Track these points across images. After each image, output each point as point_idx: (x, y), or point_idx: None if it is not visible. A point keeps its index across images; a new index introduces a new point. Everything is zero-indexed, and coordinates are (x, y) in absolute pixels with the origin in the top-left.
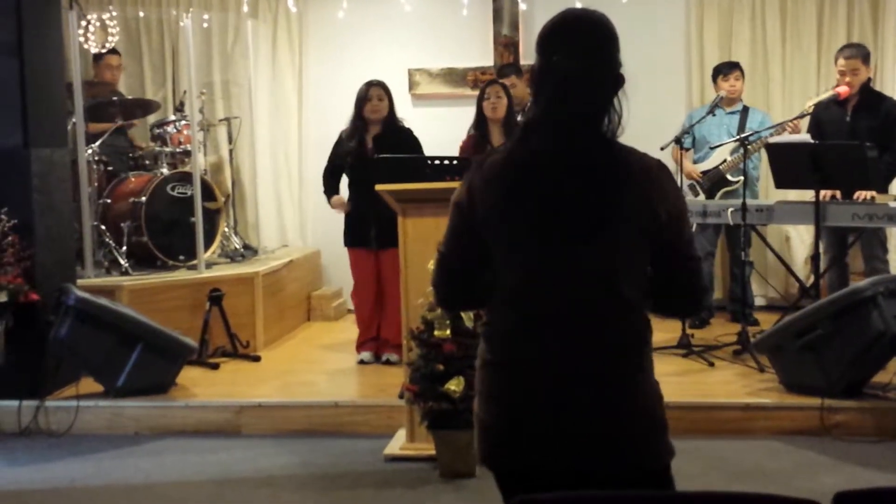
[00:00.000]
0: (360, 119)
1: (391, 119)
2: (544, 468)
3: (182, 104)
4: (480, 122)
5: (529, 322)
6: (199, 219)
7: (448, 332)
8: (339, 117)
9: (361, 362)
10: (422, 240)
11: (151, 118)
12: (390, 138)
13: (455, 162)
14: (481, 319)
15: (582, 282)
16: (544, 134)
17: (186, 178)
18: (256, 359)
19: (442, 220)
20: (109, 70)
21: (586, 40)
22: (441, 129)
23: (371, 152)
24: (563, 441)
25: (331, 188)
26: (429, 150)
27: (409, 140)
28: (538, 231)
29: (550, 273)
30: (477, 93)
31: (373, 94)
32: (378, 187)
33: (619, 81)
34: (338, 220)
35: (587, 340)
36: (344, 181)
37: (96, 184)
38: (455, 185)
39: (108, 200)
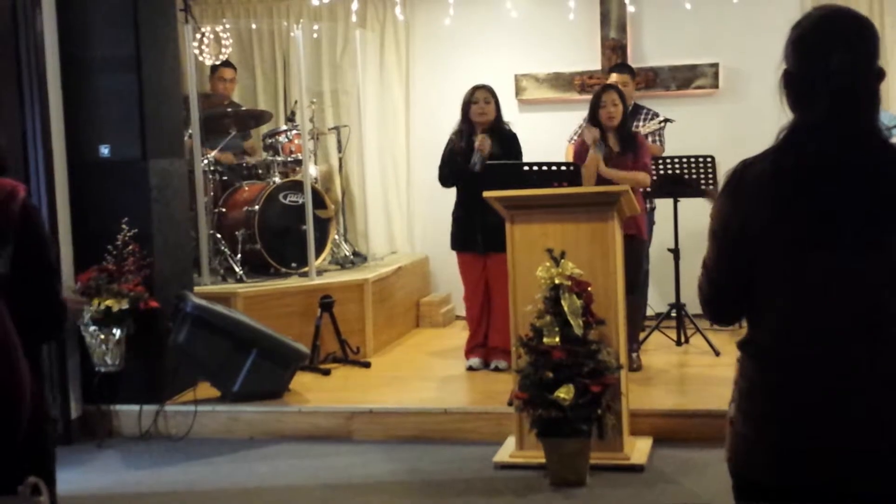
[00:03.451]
0: (466, 122)
1: (498, 123)
2: (813, 485)
3: (293, 114)
4: (597, 125)
5: (801, 336)
6: (310, 226)
7: (557, 339)
8: (447, 123)
9: (470, 368)
10: (529, 246)
11: (264, 128)
12: (496, 142)
13: (563, 168)
14: (740, 335)
15: (859, 294)
16: (822, 140)
17: (298, 187)
18: (367, 365)
19: (550, 226)
20: (223, 82)
21: (859, 38)
22: (548, 134)
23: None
24: (833, 457)
25: (450, 176)
26: (536, 155)
27: (513, 144)
28: (814, 242)
29: (826, 286)
30: (584, 98)
31: (479, 97)
32: (486, 194)
33: (880, 77)
34: (445, 225)
35: (863, 355)
36: (445, 197)
37: (212, 193)
38: (563, 190)
39: (223, 209)
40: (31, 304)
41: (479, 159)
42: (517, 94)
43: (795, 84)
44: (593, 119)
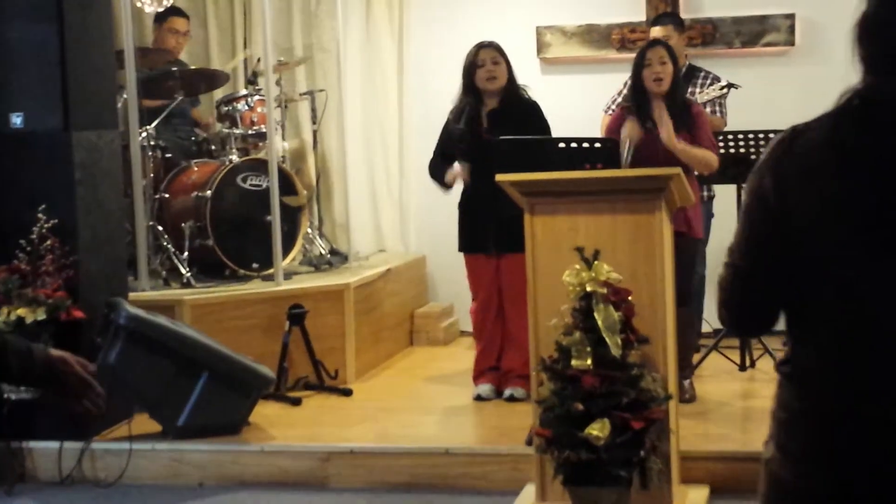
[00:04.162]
0: (471, 91)
1: (511, 89)
2: None
3: (255, 76)
4: (637, 94)
5: (863, 357)
6: (276, 217)
7: (589, 361)
8: (449, 92)
9: (479, 398)
10: (554, 244)
11: (218, 93)
12: (510, 114)
13: (598, 145)
14: (778, 355)
15: None
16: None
17: (261, 167)
18: (347, 392)
19: (580, 219)
20: (174, 36)
21: None
22: (578, 103)
23: (487, 133)
24: None
25: (439, 174)
26: (562, 129)
27: (534, 116)
28: (880, 237)
29: (893, 292)
30: (624, 56)
31: (485, 57)
32: (499, 178)
33: None
34: (448, 218)
35: None
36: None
37: (152, 175)
38: (597, 174)
39: (167, 195)
40: None
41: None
42: (539, 51)
43: (874, 31)
44: (637, 84)
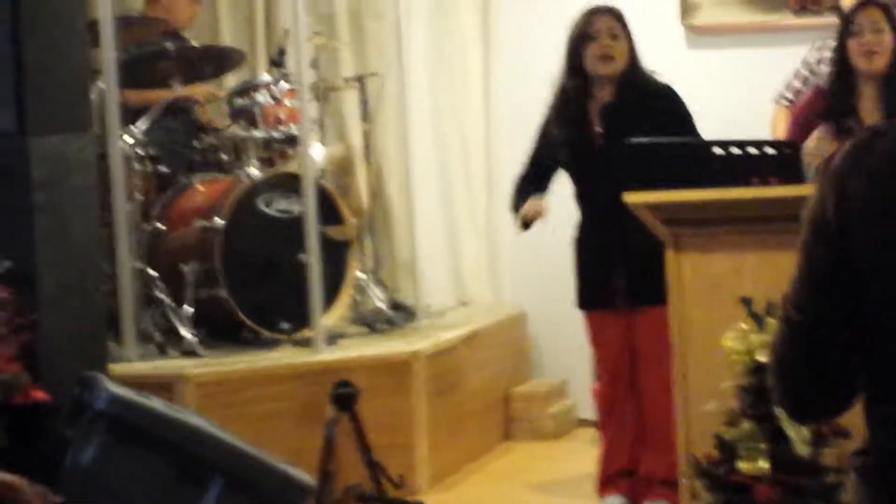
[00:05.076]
0: (577, 75)
1: (633, 74)
2: None
3: (282, 54)
4: (842, 74)
5: None
6: (314, 257)
7: (764, 463)
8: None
9: None
10: (709, 293)
11: (231, 80)
12: (632, 109)
13: (771, 150)
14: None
15: None
16: None
17: (291, 186)
18: None
19: (748, 256)
20: (188, 4)
21: None
22: (738, 89)
23: (601, 136)
24: None
25: (521, 201)
26: (717, 124)
27: (671, 108)
28: None
29: None
30: (805, 22)
31: (600, 27)
32: (628, 199)
33: None
34: (558, 259)
35: None
36: (562, 191)
37: (140, 196)
38: (777, 192)
39: (161, 225)
40: None
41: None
42: (684, 16)
43: None
44: (840, 61)
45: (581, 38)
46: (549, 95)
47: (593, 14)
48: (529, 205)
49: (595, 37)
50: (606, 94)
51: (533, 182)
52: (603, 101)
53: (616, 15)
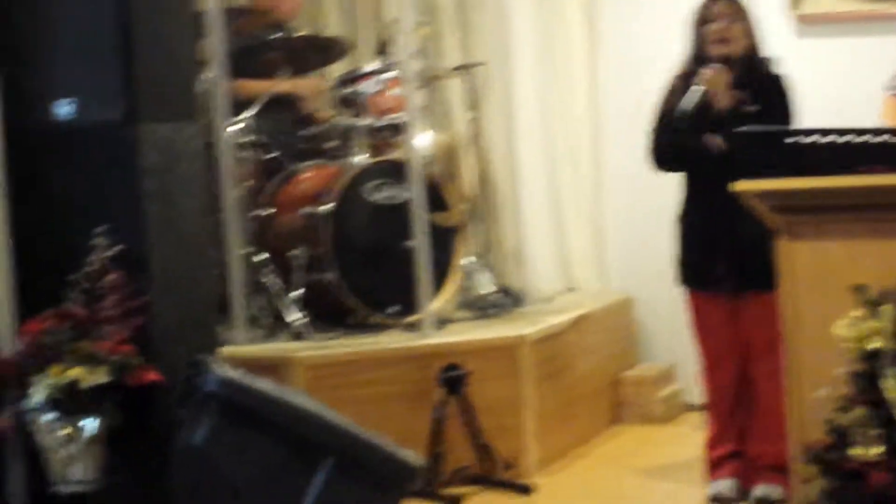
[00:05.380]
0: (697, 58)
1: (751, 57)
2: None
3: (388, 43)
4: None
5: None
6: (421, 243)
7: (877, 450)
8: (663, 65)
9: (717, 500)
10: (822, 281)
11: (336, 69)
12: (752, 94)
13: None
14: None
15: None
16: None
17: (398, 172)
18: (526, 490)
19: (862, 244)
20: None
21: None
22: (848, 78)
23: (717, 118)
24: None
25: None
26: (825, 113)
27: (780, 96)
28: None
29: None
30: None
31: (717, 10)
32: (739, 186)
33: None
34: (664, 242)
35: None
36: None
37: (249, 183)
38: (890, 180)
39: (271, 211)
40: None
41: (692, 102)
42: (793, 5)
43: None
44: None
45: (700, 22)
46: (670, 77)
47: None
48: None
49: (713, 20)
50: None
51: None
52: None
53: (735, 0)
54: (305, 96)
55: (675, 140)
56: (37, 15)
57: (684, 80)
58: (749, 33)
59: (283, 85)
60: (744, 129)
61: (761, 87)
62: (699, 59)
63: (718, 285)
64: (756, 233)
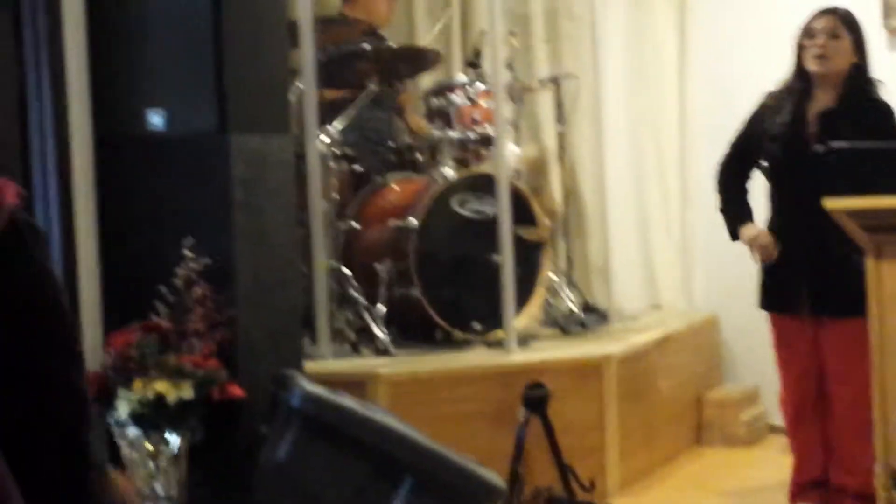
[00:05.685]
0: (798, 76)
1: (856, 76)
2: None
3: (478, 56)
4: None
5: None
6: (507, 257)
7: None
8: (755, 82)
9: None
10: None
11: (426, 80)
12: (854, 119)
13: None
14: None
15: None
16: None
17: (485, 186)
18: None
19: None
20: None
21: None
22: None
23: (814, 138)
24: None
25: (734, 199)
26: None
27: (883, 123)
28: None
29: None
30: None
31: (819, 25)
32: (829, 204)
33: None
34: (750, 267)
35: None
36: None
37: (337, 195)
38: None
39: (356, 224)
40: (24, 434)
41: None
42: (886, 16)
43: None
44: None
45: (803, 37)
46: (766, 93)
47: (817, 14)
48: (748, 232)
49: (814, 35)
50: (828, 97)
51: (737, 171)
52: (823, 105)
53: (844, 17)
54: (404, 107)
55: (725, 187)
56: (130, 24)
57: (778, 98)
58: (853, 51)
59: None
60: (838, 144)
61: (862, 111)
62: (800, 75)
63: (799, 307)
64: (840, 257)
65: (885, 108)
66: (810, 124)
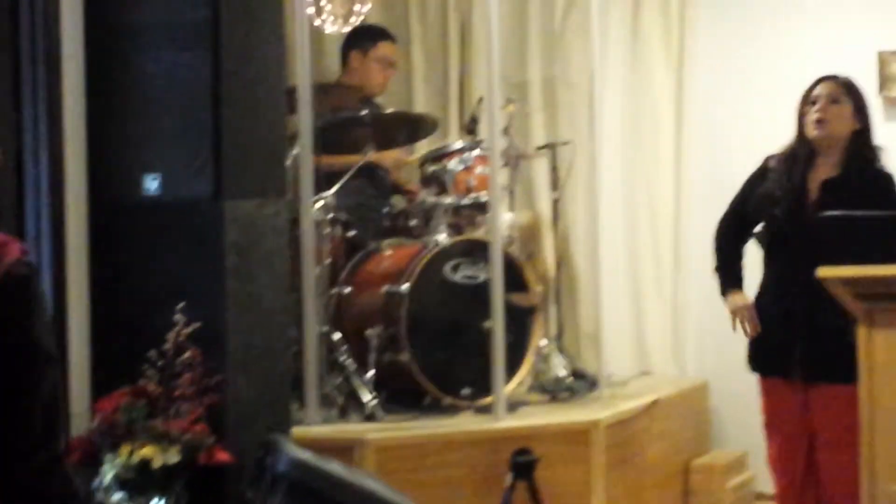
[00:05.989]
0: (799, 141)
1: (858, 142)
2: None
3: (475, 122)
4: None
5: None
6: (498, 324)
7: None
8: (750, 148)
9: None
10: None
11: (423, 146)
12: (855, 188)
13: None
14: None
15: None
16: None
17: (478, 252)
18: None
19: None
20: (383, 69)
21: None
22: None
23: (816, 206)
24: None
25: (727, 261)
26: None
27: (887, 192)
28: None
29: None
30: None
31: (819, 91)
32: (822, 273)
33: None
34: (740, 330)
35: None
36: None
37: (329, 260)
38: None
39: (348, 289)
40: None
41: None
42: (882, 87)
43: None
44: None
45: (803, 105)
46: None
47: (818, 81)
48: (735, 301)
49: (814, 102)
50: (830, 165)
51: (734, 234)
52: (826, 173)
53: (845, 84)
54: (390, 168)
55: (720, 246)
56: (129, 88)
57: (781, 163)
58: (854, 117)
59: (368, 157)
60: (832, 213)
61: (865, 181)
62: (802, 142)
63: (788, 371)
64: (832, 322)
65: (888, 178)
66: (812, 192)
